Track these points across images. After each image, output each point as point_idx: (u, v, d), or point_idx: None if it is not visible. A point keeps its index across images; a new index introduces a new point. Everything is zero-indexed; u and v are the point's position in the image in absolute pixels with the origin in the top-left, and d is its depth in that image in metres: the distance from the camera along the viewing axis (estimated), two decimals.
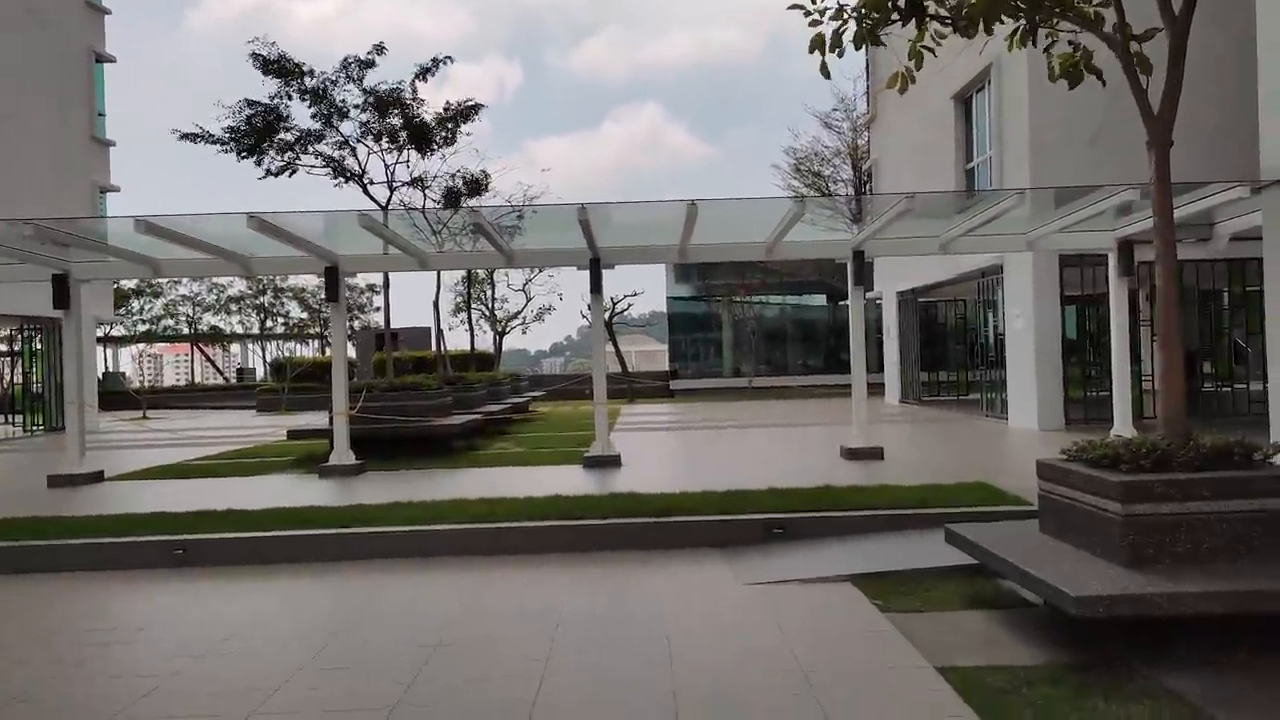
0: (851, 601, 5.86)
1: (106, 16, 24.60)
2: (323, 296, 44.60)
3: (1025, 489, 8.49)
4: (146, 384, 53.66)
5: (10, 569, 7.16)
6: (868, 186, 19.62)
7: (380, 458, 12.07)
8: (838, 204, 16.15)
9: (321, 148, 15.03)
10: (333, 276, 11.32)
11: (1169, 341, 5.12)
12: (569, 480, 9.94)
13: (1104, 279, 14.17)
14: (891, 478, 9.35)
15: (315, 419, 16.33)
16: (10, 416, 23.99)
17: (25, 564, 7.20)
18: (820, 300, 37.97)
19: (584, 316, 32.13)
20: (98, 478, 11.20)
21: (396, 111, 15.02)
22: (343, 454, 11.24)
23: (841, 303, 36.92)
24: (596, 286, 11.52)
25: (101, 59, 24.31)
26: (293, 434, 13.46)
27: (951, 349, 23.62)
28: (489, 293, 33.32)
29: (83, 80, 23.24)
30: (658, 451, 13.20)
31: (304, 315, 44.46)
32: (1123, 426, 11.40)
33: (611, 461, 11.10)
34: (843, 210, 13.96)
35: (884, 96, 22.90)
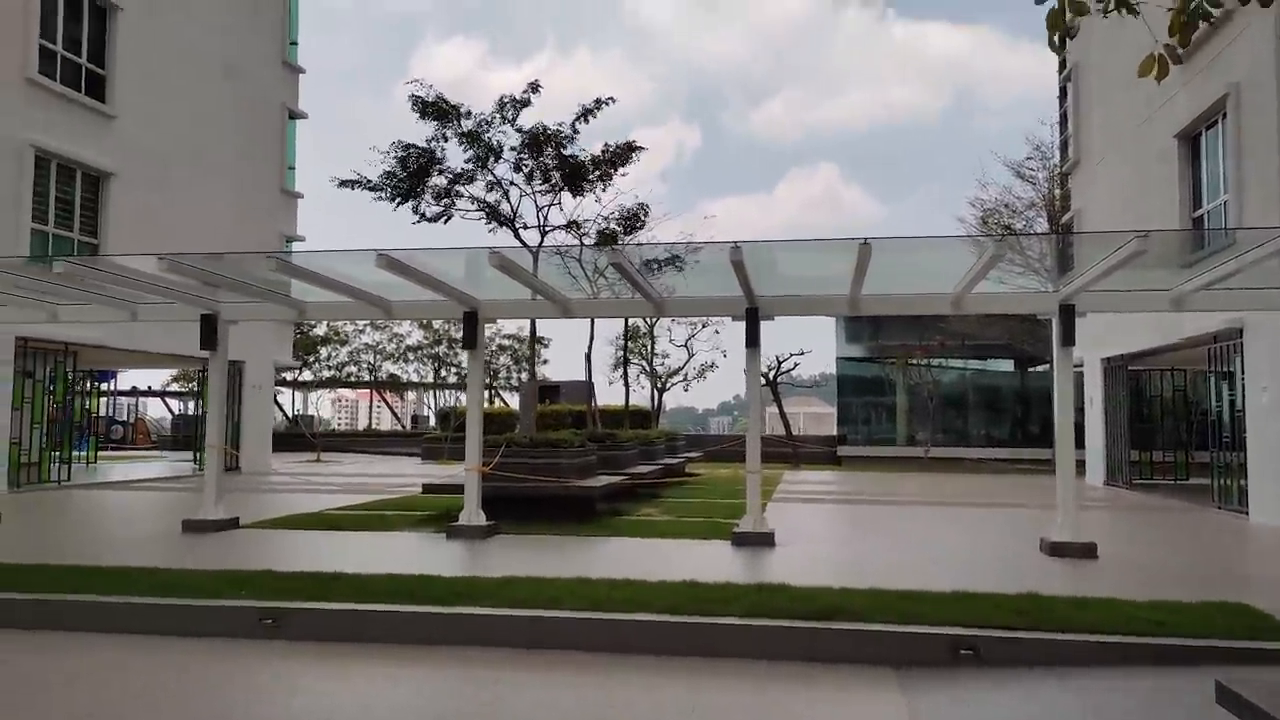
0: None
1: (302, 76, 26.00)
2: (495, 348, 45.65)
3: None
4: (335, 427, 56.57)
5: (76, 626, 6.60)
6: (1069, 244, 17.42)
7: (515, 519, 11.20)
8: (1042, 245, 14.14)
9: (474, 190, 14.66)
10: (471, 322, 10.64)
11: None
12: (712, 560, 8.64)
13: None
14: (1113, 587, 7.49)
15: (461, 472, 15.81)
16: (196, 455, 25.15)
17: (82, 622, 6.62)
18: (1007, 366, 34.97)
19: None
20: (232, 524, 10.89)
21: (551, 150, 14.48)
22: (473, 514, 10.42)
23: (1031, 369, 33.81)
24: (753, 339, 10.28)
25: (294, 115, 25.63)
26: (428, 489, 12.85)
27: (1167, 425, 20.64)
28: (649, 347, 32.58)
29: (275, 134, 24.49)
30: (818, 529, 11.67)
31: None
32: None
33: (763, 540, 9.71)
34: (1043, 261, 12.08)
35: (1089, 141, 20.62)
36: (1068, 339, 9.65)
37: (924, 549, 9.84)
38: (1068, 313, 9.60)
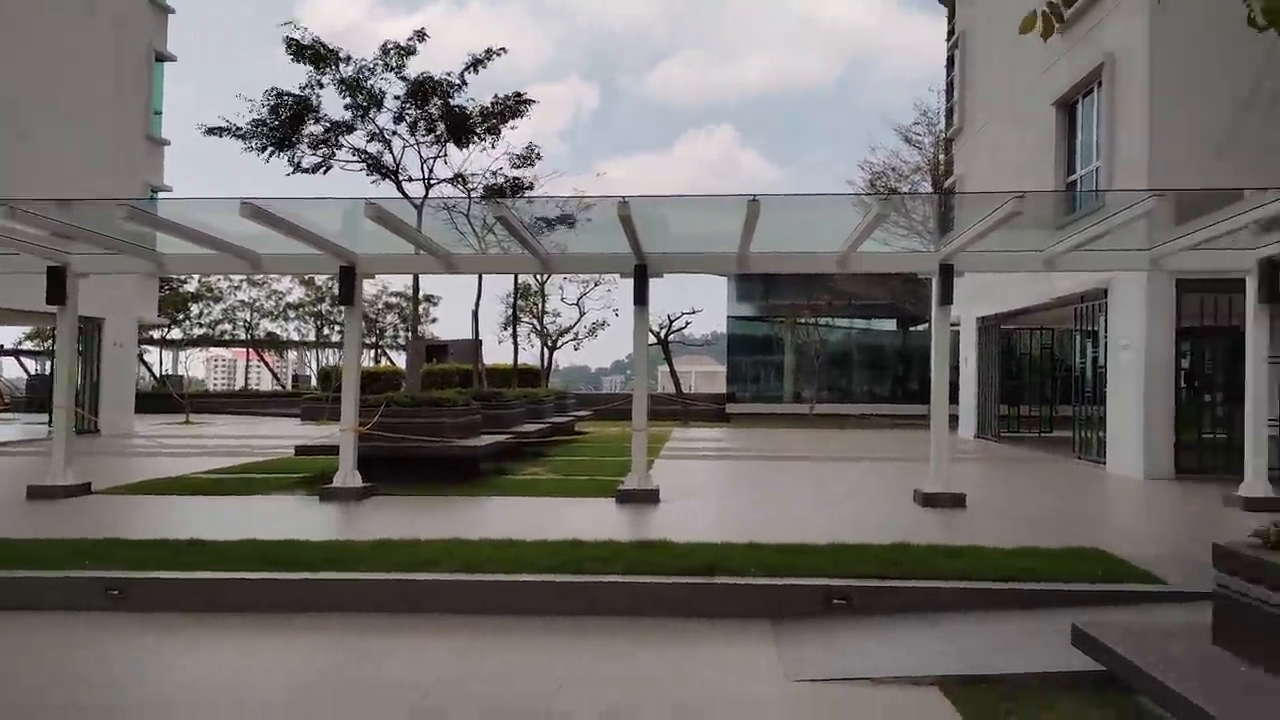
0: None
1: (172, 17, 24.22)
2: (381, 307, 44.30)
3: (1150, 558, 6.86)
4: (210, 388, 54.03)
5: None
6: (949, 207, 17.95)
7: (395, 480, 10.84)
8: (925, 207, 14.43)
9: (354, 139, 13.96)
10: (348, 277, 10.14)
11: None
12: (597, 519, 8.54)
13: (1226, 307, 12.33)
14: (981, 535, 7.74)
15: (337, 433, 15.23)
16: (51, 417, 23.56)
17: None
18: (889, 325, 36.09)
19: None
20: (83, 490, 10.16)
21: (437, 100, 13.88)
22: (348, 475, 10.02)
23: (912, 328, 34.97)
24: (642, 297, 10.14)
25: (162, 57, 23.89)
26: (302, 450, 12.32)
27: (1035, 381, 21.67)
28: (540, 305, 32.17)
29: (141, 77, 22.79)
30: (703, 485, 11.73)
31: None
32: (1256, 482, 9.58)
33: (648, 497, 9.67)
34: (925, 224, 12.34)
35: (972, 108, 21.18)
36: (946, 298, 9.87)
37: (805, 503, 9.99)
38: (947, 272, 9.80)
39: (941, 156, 27.42)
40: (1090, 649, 4.26)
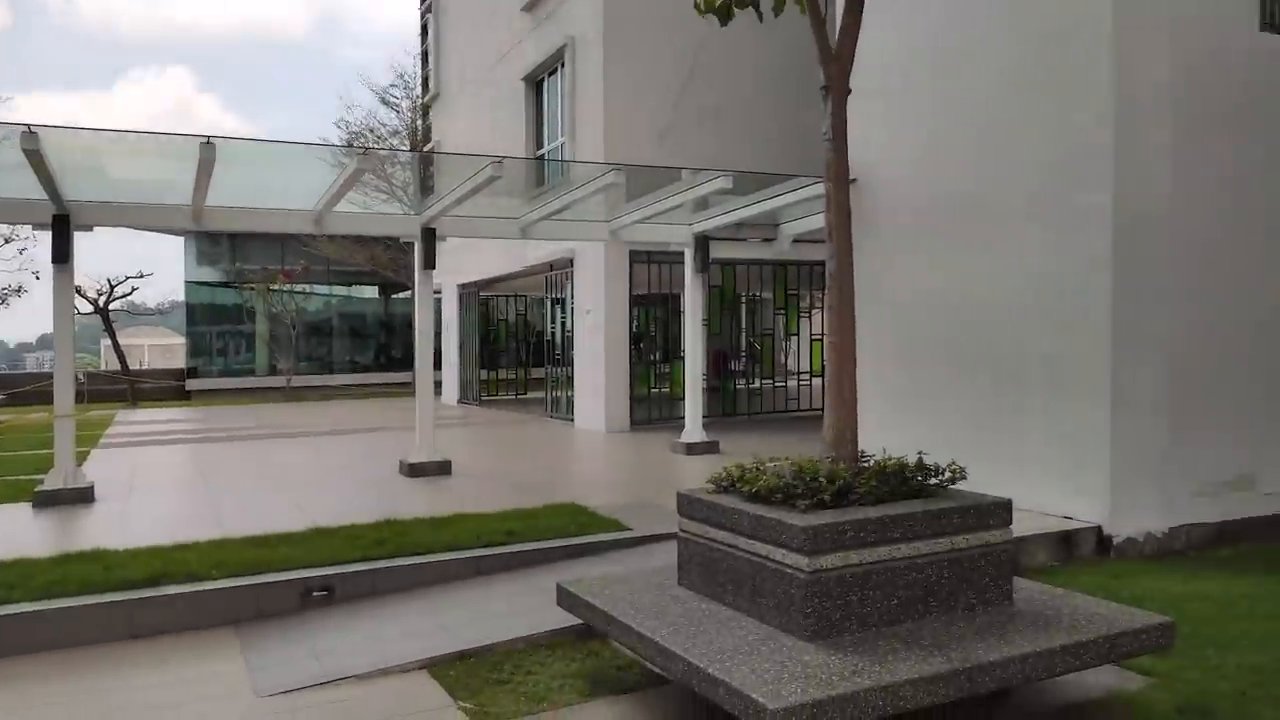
0: (432, 710, 4.05)
1: None
2: None
3: (615, 506, 7.41)
4: None
5: None
6: (430, 171, 17.95)
7: None
8: (405, 171, 14.06)
9: None
10: None
11: (844, 341, 4.10)
12: (7, 531, 6.77)
13: (668, 276, 14.02)
14: (467, 501, 7.70)
15: None
16: None
17: None
18: (371, 292, 35.39)
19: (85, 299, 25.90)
20: None
21: None
22: None
23: (395, 295, 34.70)
24: (62, 254, 8.26)
25: None
26: None
27: (511, 347, 22.82)
28: None
29: None
30: (154, 477, 10.10)
31: None
32: (694, 429, 11.04)
33: (78, 497, 7.98)
34: (406, 189, 12.01)
35: (448, 76, 21.33)
36: (429, 262, 9.66)
37: (280, 486, 9.10)
38: (429, 236, 9.58)
39: (420, 122, 27.38)
40: (572, 606, 4.31)
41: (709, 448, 10.85)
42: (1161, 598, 5.22)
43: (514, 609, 5.26)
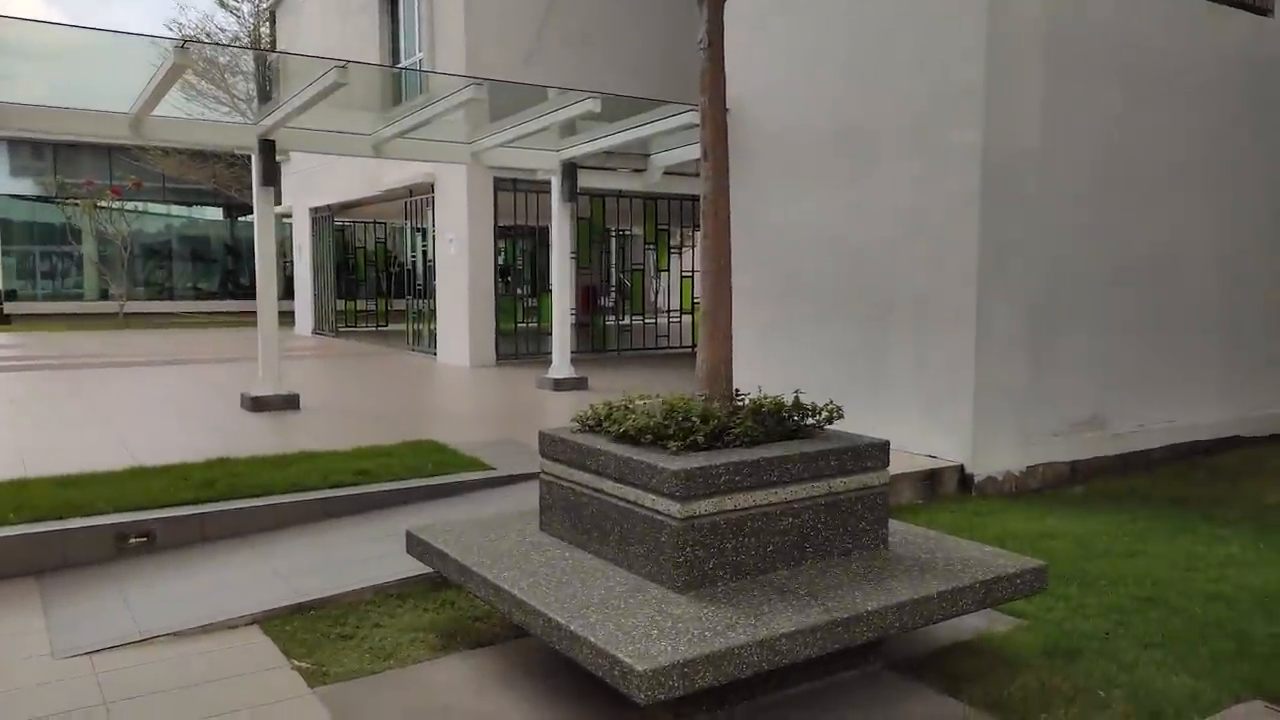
0: (261, 671, 3.63)
1: None
2: None
3: (478, 444, 7.03)
4: None
5: None
6: (270, 78, 16.54)
7: None
8: (247, 84, 12.85)
9: None
10: None
11: (719, 271, 3.81)
12: None
13: (535, 206, 13.48)
14: (315, 438, 7.15)
15: None
16: None
17: None
18: (216, 214, 33.04)
19: None
20: None
21: None
22: None
23: (242, 218, 32.49)
24: None
25: None
26: None
27: (371, 276, 21.75)
28: None
29: None
30: None
31: None
32: (561, 365, 10.70)
33: None
34: (250, 102, 10.92)
35: None
36: (269, 178, 8.83)
37: (104, 420, 8.24)
38: (268, 149, 8.74)
39: (264, 30, 25.32)
40: (423, 554, 3.94)
41: (577, 384, 10.55)
42: (1024, 536, 5.29)
43: (363, 555, 4.84)
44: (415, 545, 4.02)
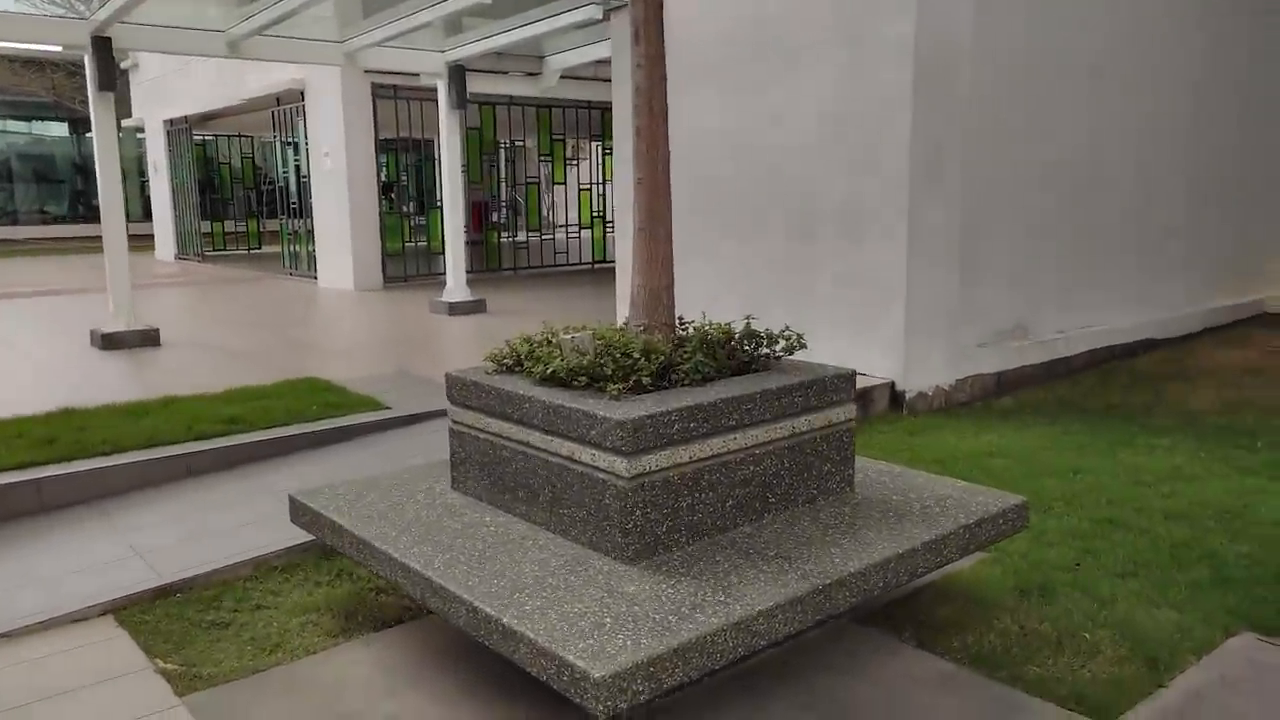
0: (115, 678, 2.97)
1: None
2: None
3: (369, 380, 6.32)
4: None
5: None
6: None
7: None
8: None
9: None
10: None
11: (655, 175, 3.20)
12: None
13: (420, 117, 12.41)
14: (179, 380, 6.30)
15: None
16: None
17: None
18: (61, 130, 29.98)
19: None
20: None
21: None
22: None
23: (89, 134, 29.61)
24: None
25: None
26: None
27: (239, 195, 20.08)
28: None
29: None
30: None
31: None
32: (456, 287, 9.91)
33: None
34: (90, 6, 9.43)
35: None
36: (106, 81, 7.65)
37: None
38: (103, 47, 7.54)
39: None
40: (312, 525, 3.31)
41: (475, 307, 9.81)
42: (966, 456, 5.00)
43: (238, 521, 4.15)
44: (301, 514, 3.37)
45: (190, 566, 3.68)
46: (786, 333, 3.27)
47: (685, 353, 3.04)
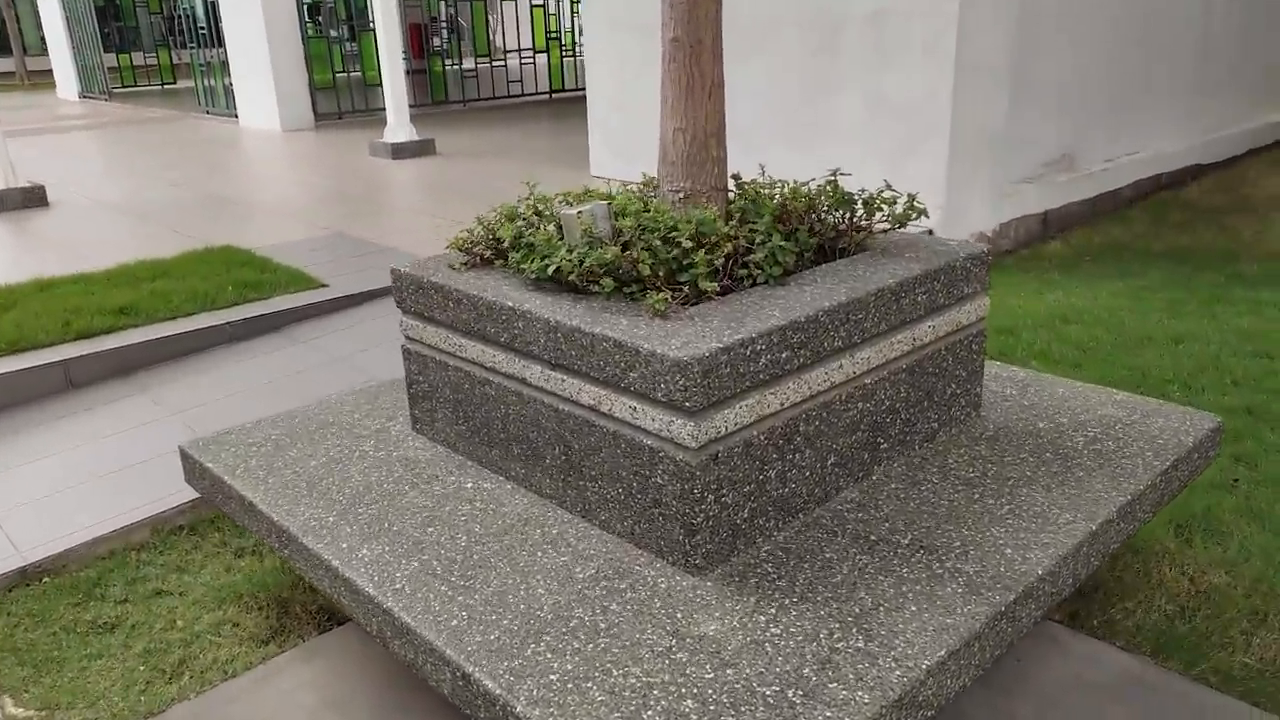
0: None
1: None
2: None
3: (297, 246, 5.19)
4: None
5: None
6: None
7: None
8: None
9: None
10: None
11: (695, 11, 2.04)
12: None
13: None
14: (59, 254, 5.11)
15: None
16: None
17: None
18: None
19: None
20: None
21: None
22: None
23: None
24: None
25: None
26: None
27: (146, 24, 17.79)
28: None
29: None
30: None
31: None
32: (399, 127, 8.53)
33: None
34: None
35: None
36: None
37: None
38: None
39: None
40: (215, 494, 2.32)
41: (422, 148, 8.48)
42: (1037, 323, 4.15)
43: (128, 459, 3.15)
44: (198, 476, 2.38)
45: (62, 535, 2.70)
46: (889, 194, 2.23)
47: (755, 233, 2.01)
